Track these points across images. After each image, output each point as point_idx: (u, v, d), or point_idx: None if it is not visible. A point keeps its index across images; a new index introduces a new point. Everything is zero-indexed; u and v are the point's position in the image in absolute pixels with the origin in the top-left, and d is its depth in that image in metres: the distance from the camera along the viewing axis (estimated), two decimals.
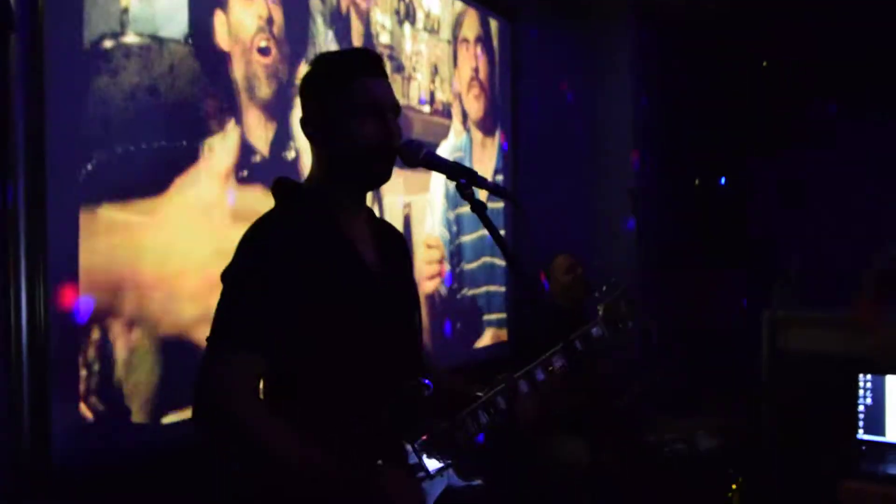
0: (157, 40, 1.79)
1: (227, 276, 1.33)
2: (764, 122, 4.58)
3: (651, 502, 2.78)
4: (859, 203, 4.39)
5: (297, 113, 2.16)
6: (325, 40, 2.33)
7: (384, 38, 2.62)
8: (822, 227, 4.46)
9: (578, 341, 1.73)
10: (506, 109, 3.39)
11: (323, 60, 1.47)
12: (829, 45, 4.34)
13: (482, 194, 1.39)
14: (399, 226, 2.42)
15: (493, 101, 3.29)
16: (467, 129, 3.11)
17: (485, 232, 2.95)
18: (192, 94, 1.87)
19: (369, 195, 1.57)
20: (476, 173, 1.37)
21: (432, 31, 2.90)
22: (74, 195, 1.62)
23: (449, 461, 1.48)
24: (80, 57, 1.63)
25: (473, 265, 3.12)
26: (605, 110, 4.21)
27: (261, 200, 1.90)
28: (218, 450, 1.38)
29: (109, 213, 1.67)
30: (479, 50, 3.20)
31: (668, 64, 4.52)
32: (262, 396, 1.35)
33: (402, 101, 1.87)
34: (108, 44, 1.68)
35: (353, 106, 1.38)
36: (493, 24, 3.31)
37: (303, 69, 2.19)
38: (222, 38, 1.96)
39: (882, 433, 2.51)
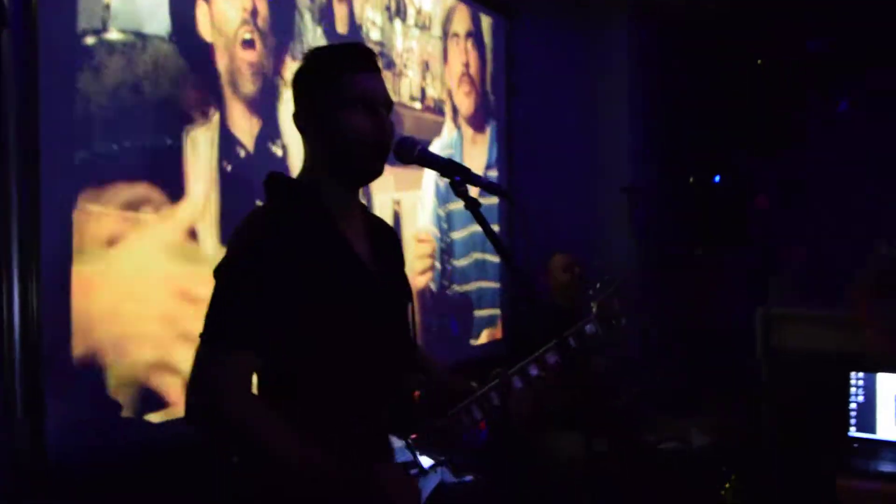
0: (141, 37, 1.77)
1: (220, 272, 1.30)
2: (763, 121, 4.58)
3: (645, 499, 2.77)
4: (858, 202, 4.41)
5: (284, 108, 2.15)
6: (312, 37, 2.30)
7: (374, 35, 2.59)
8: (821, 225, 4.47)
9: (572, 338, 1.75)
10: (501, 106, 3.38)
11: (315, 55, 1.46)
12: (829, 44, 4.35)
13: (474, 191, 1.38)
14: (389, 222, 2.40)
15: (483, 97, 3.27)
16: (458, 126, 3.09)
17: (475, 228, 2.95)
18: (176, 91, 1.85)
19: (359, 192, 1.56)
20: (470, 170, 1.37)
21: (424, 27, 2.87)
22: (69, 191, 1.60)
23: (442, 457, 1.49)
24: (73, 52, 1.62)
25: (464, 262, 3.10)
26: (602, 108, 4.20)
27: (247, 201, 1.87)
28: (214, 447, 1.38)
29: (101, 210, 1.66)
30: (469, 45, 3.18)
31: (665, 61, 4.52)
32: (256, 394, 1.34)
33: (392, 98, 1.85)
34: (90, 40, 1.66)
35: (346, 100, 1.37)
36: (486, 20, 3.30)
37: (289, 64, 2.18)
38: (205, 30, 1.94)
39: (873, 430, 2.52)
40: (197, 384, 1.22)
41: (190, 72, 1.88)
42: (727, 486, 2.81)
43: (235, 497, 1.36)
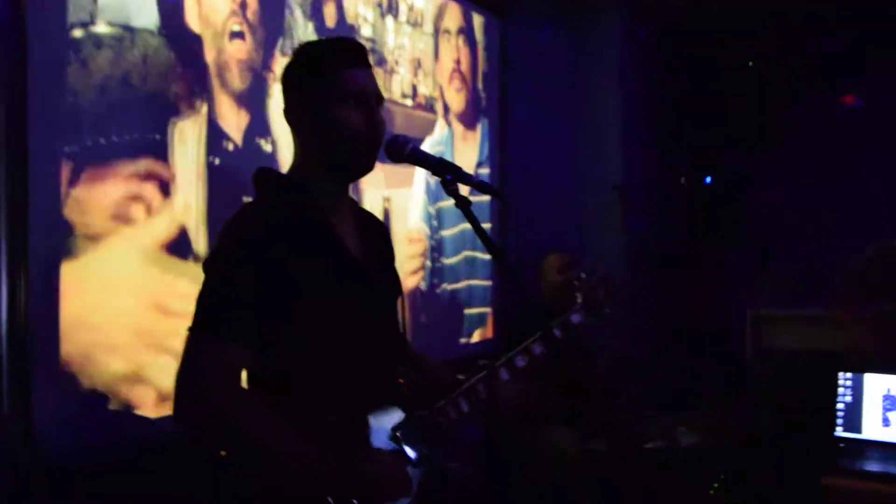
0: (129, 30, 1.75)
1: (209, 265, 1.30)
2: (754, 120, 4.59)
3: (633, 498, 2.78)
4: (850, 202, 4.43)
5: (273, 103, 2.14)
6: (303, 32, 2.29)
7: (366, 31, 2.58)
8: (812, 226, 4.49)
9: (558, 329, 1.75)
10: (492, 105, 3.37)
11: (307, 50, 1.45)
12: (827, 43, 4.37)
13: (465, 189, 1.38)
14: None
15: (475, 94, 3.27)
16: (448, 123, 3.09)
17: (466, 226, 2.94)
18: (164, 84, 1.83)
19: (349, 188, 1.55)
20: (461, 169, 1.37)
21: (415, 24, 2.86)
22: (55, 185, 1.59)
23: (429, 449, 1.49)
24: (62, 46, 1.61)
25: (454, 260, 3.10)
26: (594, 106, 4.20)
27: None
28: (203, 443, 1.37)
29: (91, 206, 1.64)
30: (461, 42, 3.17)
31: (656, 60, 4.53)
32: (247, 389, 1.33)
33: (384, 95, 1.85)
34: (77, 33, 1.64)
35: (339, 96, 1.37)
36: (477, 18, 3.29)
37: (279, 59, 2.17)
38: (193, 21, 1.92)
39: (859, 430, 2.53)
40: (186, 377, 1.21)
41: (178, 64, 1.87)
42: (716, 485, 2.82)
43: (229, 493, 1.35)
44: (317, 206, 1.38)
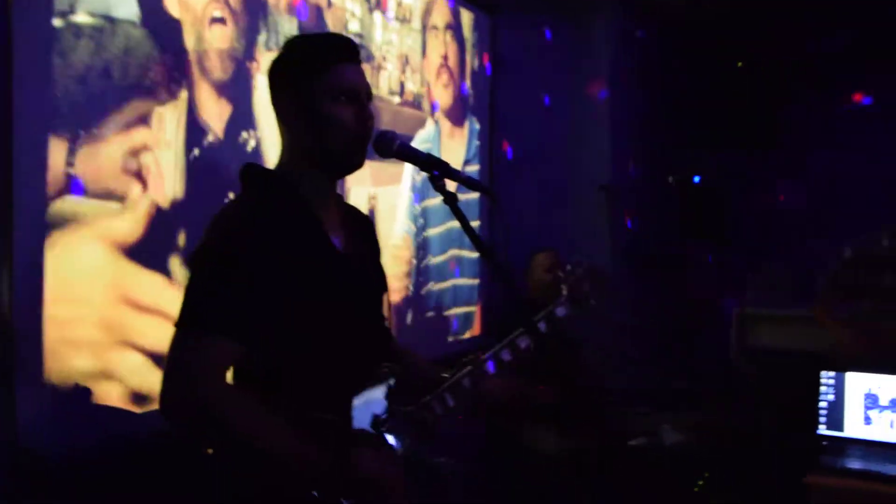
0: (110, 20, 1.72)
1: (195, 259, 1.28)
2: (743, 120, 4.61)
3: (617, 496, 2.78)
4: (837, 202, 4.47)
5: (257, 96, 2.11)
6: (289, 28, 2.27)
7: (354, 26, 2.56)
8: (799, 225, 4.52)
9: (543, 322, 1.75)
10: (481, 102, 3.37)
11: (297, 45, 1.43)
12: (827, 43, 4.39)
13: (452, 185, 1.38)
14: None
15: (462, 91, 3.26)
16: (435, 120, 3.08)
17: (452, 224, 2.94)
18: (145, 73, 1.81)
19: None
20: (449, 165, 1.37)
21: (404, 20, 2.85)
22: (40, 178, 1.57)
23: (415, 443, 1.49)
24: (47, 36, 1.59)
25: (440, 258, 3.09)
26: (582, 104, 4.21)
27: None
28: (189, 440, 1.36)
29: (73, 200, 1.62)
30: (448, 37, 3.16)
31: (657, 59, 4.54)
32: (234, 385, 1.33)
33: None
34: (57, 23, 1.61)
35: (331, 92, 1.36)
36: (466, 15, 3.28)
37: (262, 50, 2.14)
38: (172, 5, 1.88)
39: (841, 428, 2.56)
40: (172, 372, 1.19)
41: (157, 49, 1.83)
42: (700, 482, 2.84)
43: (216, 488, 1.34)
44: (304, 202, 1.38)
